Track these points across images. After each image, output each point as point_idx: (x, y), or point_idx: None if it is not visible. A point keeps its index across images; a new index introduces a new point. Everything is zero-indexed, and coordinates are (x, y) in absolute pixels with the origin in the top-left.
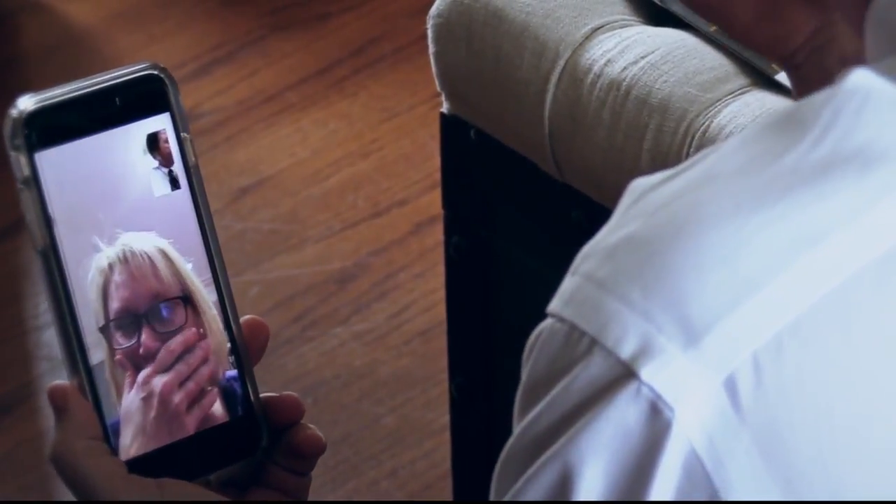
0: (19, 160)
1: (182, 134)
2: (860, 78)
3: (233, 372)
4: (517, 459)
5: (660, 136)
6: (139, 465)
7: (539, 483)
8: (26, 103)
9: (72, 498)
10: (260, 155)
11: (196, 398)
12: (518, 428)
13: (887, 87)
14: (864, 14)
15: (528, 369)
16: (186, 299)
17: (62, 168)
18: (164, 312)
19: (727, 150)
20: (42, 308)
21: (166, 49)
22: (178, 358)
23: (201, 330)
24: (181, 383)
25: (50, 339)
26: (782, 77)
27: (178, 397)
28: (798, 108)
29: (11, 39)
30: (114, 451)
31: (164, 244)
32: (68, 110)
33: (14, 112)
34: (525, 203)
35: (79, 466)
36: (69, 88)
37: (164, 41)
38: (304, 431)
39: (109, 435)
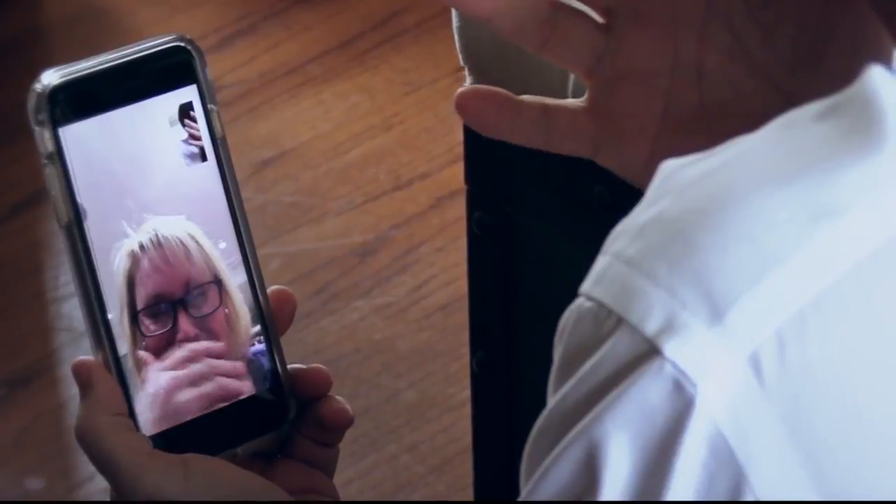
0: (43, 135)
1: (209, 106)
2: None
3: (259, 346)
4: (547, 437)
5: None
6: (164, 441)
7: (566, 461)
8: (50, 77)
9: (84, 483)
10: (281, 127)
11: (223, 376)
12: (548, 406)
13: None
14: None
15: (560, 349)
16: (218, 282)
17: (87, 143)
18: (199, 297)
19: (762, 133)
20: (62, 280)
21: (188, 21)
22: (207, 339)
23: (227, 310)
24: (208, 363)
25: (70, 310)
26: None
27: (204, 377)
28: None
29: (33, 11)
30: (138, 427)
31: (194, 228)
32: (93, 84)
33: (38, 86)
34: (547, 178)
35: (103, 442)
36: (94, 62)
37: (186, 13)
38: (332, 404)
39: (134, 411)
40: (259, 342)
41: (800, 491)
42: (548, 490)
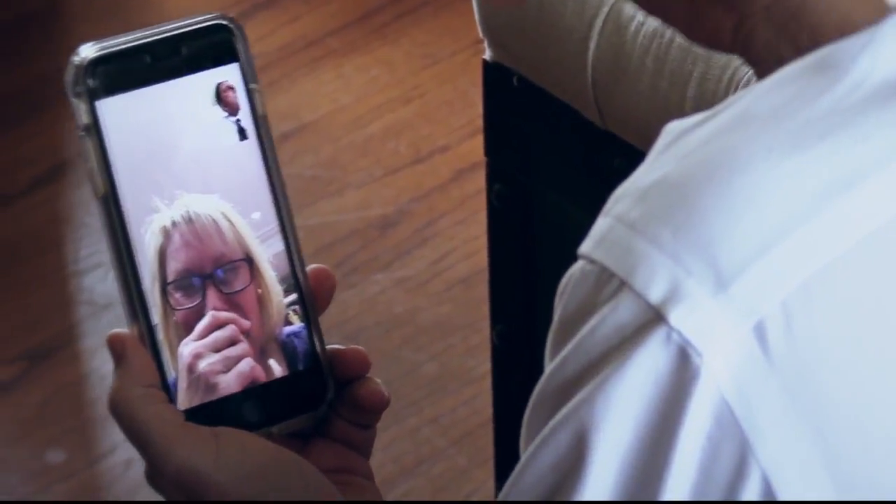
0: (80, 107)
1: (251, 85)
2: None
3: (294, 327)
4: (546, 404)
5: (704, 84)
6: (199, 417)
7: (566, 428)
8: (88, 50)
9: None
10: (301, 101)
11: (257, 356)
12: (547, 371)
13: None
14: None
15: (559, 311)
16: (249, 260)
17: (124, 116)
18: (229, 274)
19: (760, 91)
20: (82, 254)
21: None
22: (239, 316)
23: (260, 290)
24: (240, 342)
25: (91, 284)
26: None
27: (234, 351)
28: (833, 52)
29: None
30: (172, 399)
31: (226, 207)
32: (132, 58)
33: (76, 58)
34: (567, 151)
35: (135, 413)
36: (134, 36)
37: None
38: (368, 385)
39: (168, 383)
40: (294, 323)
41: (804, 460)
42: (546, 459)
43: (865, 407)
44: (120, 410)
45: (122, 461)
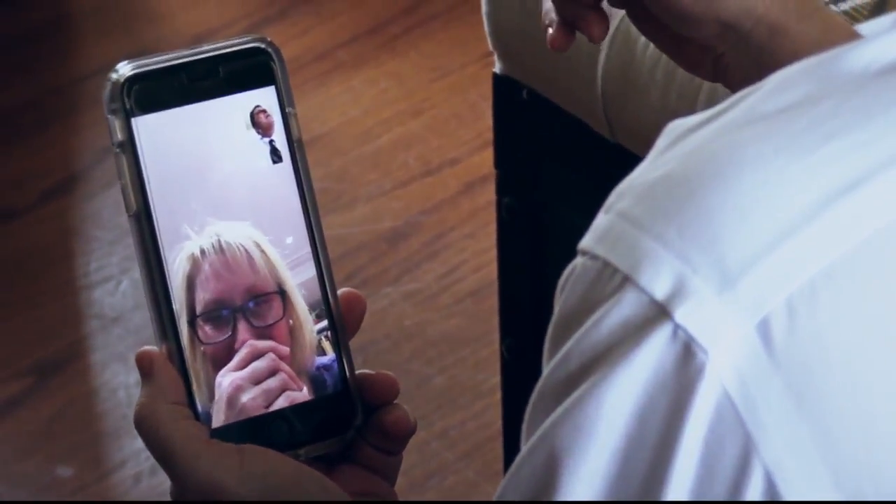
0: (115, 124)
1: (287, 109)
2: None
3: (324, 358)
4: (547, 399)
5: (713, 97)
6: (225, 435)
7: (569, 422)
8: (126, 68)
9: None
10: (311, 113)
11: (286, 383)
12: (548, 367)
13: None
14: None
15: (559, 306)
16: (282, 292)
17: (160, 135)
18: (261, 306)
19: (766, 91)
20: (92, 267)
21: (218, 6)
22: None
23: (291, 321)
24: (280, 373)
25: (100, 297)
26: None
27: (277, 388)
28: (840, 55)
29: None
30: (198, 416)
31: (258, 235)
32: (168, 77)
33: (113, 75)
34: (577, 164)
35: (160, 428)
36: (172, 56)
37: None
38: (396, 412)
39: (195, 401)
40: (325, 348)
41: (807, 457)
42: (547, 450)
43: (869, 405)
44: (146, 426)
45: (132, 475)
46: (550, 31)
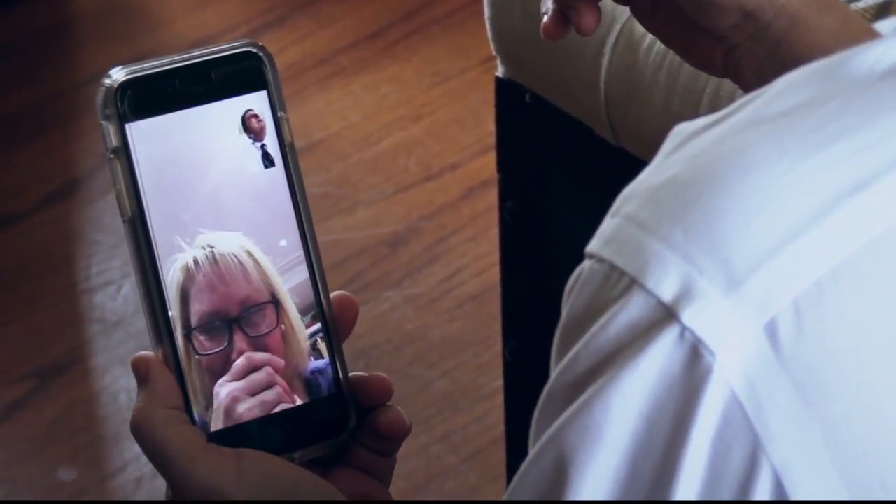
0: (109, 129)
1: (279, 113)
2: None
3: (318, 362)
4: (555, 402)
5: (716, 100)
6: (221, 440)
7: (577, 424)
8: (119, 74)
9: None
10: (311, 118)
11: (281, 396)
12: (556, 370)
13: None
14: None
15: (566, 310)
16: (275, 301)
17: (153, 140)
18: (256, 317)
19: (772, 94)
20: (93, 271)
21: (217, 12)
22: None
23: (283, 326)
24: (276, 386)
25: (101, 301)
26: None
27: (273, 401)
28: (846, 58)
29: (64, 2)
30: (194, 421)
31: (250, 244)
32: (162, 83)
33: (107, 81)
34: (580, 168)
35: (157, 434)
36: (164, 61)
37: (215, 4)
38: (390, 413)
39: (191, 407)
40: (318, 359)
41: (815, 458)
42: (555, 453)
43: (876, 406)
44: (142, 431)
45: (133, 479)
46: (545, 19)
